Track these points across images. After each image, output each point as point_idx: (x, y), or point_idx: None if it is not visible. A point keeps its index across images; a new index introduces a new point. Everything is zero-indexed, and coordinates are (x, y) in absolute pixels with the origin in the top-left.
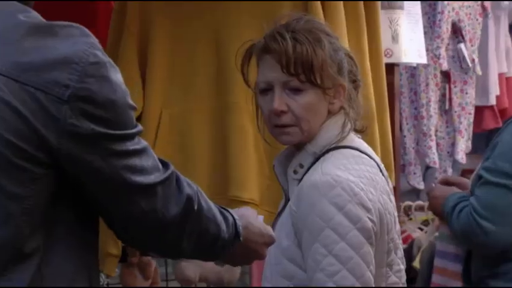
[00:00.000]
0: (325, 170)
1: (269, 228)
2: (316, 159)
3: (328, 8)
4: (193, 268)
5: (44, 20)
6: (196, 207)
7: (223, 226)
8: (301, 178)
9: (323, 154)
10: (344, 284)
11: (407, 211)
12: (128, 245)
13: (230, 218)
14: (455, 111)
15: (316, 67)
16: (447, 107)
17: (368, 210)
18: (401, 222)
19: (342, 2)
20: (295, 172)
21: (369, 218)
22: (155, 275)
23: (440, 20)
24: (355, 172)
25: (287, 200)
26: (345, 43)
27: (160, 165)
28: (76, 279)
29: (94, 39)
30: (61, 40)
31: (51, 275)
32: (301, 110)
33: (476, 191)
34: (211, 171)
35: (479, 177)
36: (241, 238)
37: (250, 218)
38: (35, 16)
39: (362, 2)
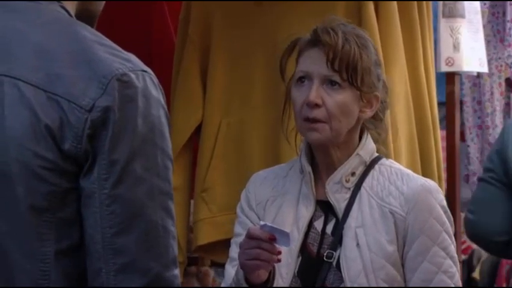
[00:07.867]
0: (417, 175)
1: None
2: (366, 168)
3: (382, 10)
4: None
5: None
6: None
7: None
8: (355, 186)
9: (371, 163)
10: (458, 285)
11: None
12: None
13: None
14: None
15: (360, 69)
16: (511, 116)
17: None
18: (462, 233)
19: (396, 2)
20: (347, 180)
21: None
22: (214, 284)
23: (510, 29)
24: None
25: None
26: (399, 47)
27: None
28: None
29: (143, 66)
30: (103, 58)
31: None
32: (335, 107)
33: None
34: None
35: None
36: None
37: None
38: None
39: (415, 3)
